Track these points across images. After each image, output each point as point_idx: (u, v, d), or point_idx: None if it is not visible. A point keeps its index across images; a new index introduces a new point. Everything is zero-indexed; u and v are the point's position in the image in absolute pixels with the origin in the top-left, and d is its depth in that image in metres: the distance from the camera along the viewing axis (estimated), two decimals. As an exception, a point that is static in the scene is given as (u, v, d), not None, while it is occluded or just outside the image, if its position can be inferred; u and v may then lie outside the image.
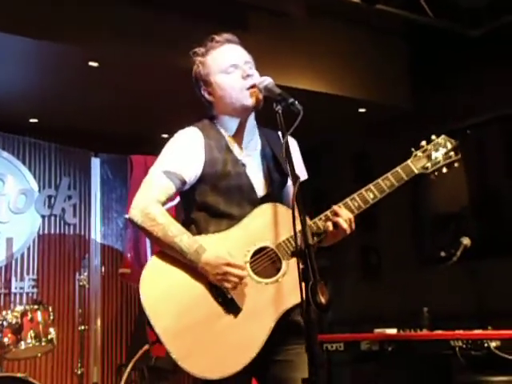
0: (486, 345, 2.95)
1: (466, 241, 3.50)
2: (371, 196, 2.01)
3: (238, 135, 2.10)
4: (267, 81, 2.02)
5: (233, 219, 1.98)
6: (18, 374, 3.67)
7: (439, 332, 3.25)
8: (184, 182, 2.00)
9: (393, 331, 3.36)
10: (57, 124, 5.17)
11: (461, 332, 3.10)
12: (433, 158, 2.10)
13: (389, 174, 2.04)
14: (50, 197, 5.34)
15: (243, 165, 2.05)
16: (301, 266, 1.60)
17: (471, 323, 3.34)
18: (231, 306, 1.89)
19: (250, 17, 4.35)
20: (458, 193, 5.07)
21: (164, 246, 1.93)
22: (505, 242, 4.88)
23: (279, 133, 2.13)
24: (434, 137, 2.13)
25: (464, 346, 3.02)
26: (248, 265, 1.92)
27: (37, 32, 3.87)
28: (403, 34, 5.26)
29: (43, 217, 5.29)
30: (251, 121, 2.12)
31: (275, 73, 2.16)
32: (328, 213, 1.99)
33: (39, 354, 3.98)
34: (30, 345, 3.71)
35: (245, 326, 1.88)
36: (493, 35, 4.68)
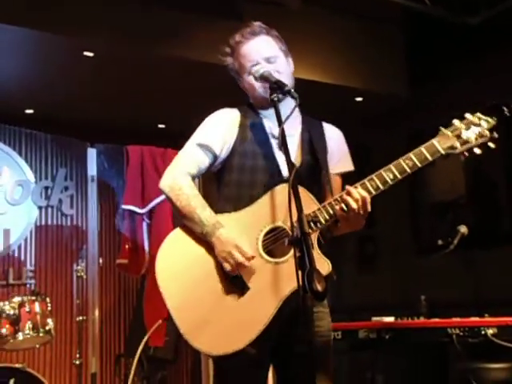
0: (483, 332, 2.95)
1: (463, 229, 3.49)
2: (391, 176, 1.91)
3: (276, 119, 2.08)
4: (263, 69, 2.04)
5: (255, 199, 2.00)
6: (17, 365, 3.67)
7: (436, 320, 3.26)
8: (216, 157, 2.06)
9: (390, 319, 3.37)
10: (53, 114, 5.16)
11: (458, 319, 3.11)
12: (463, 136, 1.93)
13: (411, 154, 1.92)
14: (46, 188, 5.33)
15: (276, 144, 2.07)
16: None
17: (468, 311, 3.34)
18: (240, 284, 1.91)
19: (245, 7, 4.34)
20: (456, 181, 5.07)
21: (185, 216, 1.98)
22: (501, 230, 4.89)
23: (323, 123, 2.22)
24: (467, 114, 1.95)
25: (461, 333, 3.02)
26: (260, 244, 1.94)
27: (32, 22, 3.86)
28: (400, 22, 5.24)
29: (40, 208, 5.28)
30: (290, 107, 2.00)
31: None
32: (341, 194, 1.93)
33: (37, 345, 3.98)
34: (28, 336, 3.71)
35: (252, 304, 1.89)
36: (490, 23, 4.66)
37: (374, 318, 3.43)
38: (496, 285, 4.30)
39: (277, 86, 1.95)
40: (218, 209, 2.04)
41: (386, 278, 5.48)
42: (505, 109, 2.04)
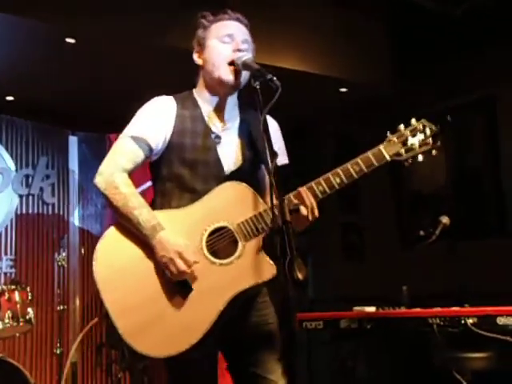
0: (462, 322, 2.97)
1: (444, 220, 3.51)
2: (338, 181, 1.92)
3: (217, 109, 2.08)
4: (245, 56, 2.01)
5: (196, 194, 1.95)
6: (-4, 354, 3.64)
7: (417, 309, 3.27)
8: (151, 149, 1.98)
9: (372, 309, 3.38)
10: (34, 102, 5.08)
11: (438, 309, 3.12)
12: (408, 144, 1.96)
13: (358, 159, 1.94)
14: (27, 176, 5.26)
15: (217, 137, 2.03)
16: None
17: (450, 302, 3.37)
18: (183, 285, 1.87)
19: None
20: (438, 172, 5.09)
21: (122, 216, 1.90)
22: (484, 221, 4.93)
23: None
24: (413, 121, 1.99)
25: (441, 323, 3.04)
26: (204, 244, 1.89)
27: (13, 8, 3.79)
28: (384, 11, 5.22)
29: (21, 196, 5.21)
30: (232, 99, 2.10)
31: (255, 52, 2.11)
32: (291, 195, 1.92)
33: (17, 334, 3.96)
34: (8, 325, 3.68)
35: (194, 307, 1.85)
36: (474, 13, 4.66)
37: (356, 308, 3.43)
38: (476, 276, 4.34)
39: (259, 74, 1.92)
40: (156, 205, 1.98)
41: (369, 268, 5.51)
42: (448, 117, 2.06)
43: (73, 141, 4.89)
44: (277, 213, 1.69)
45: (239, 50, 2.00)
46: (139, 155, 1.96)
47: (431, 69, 5.06)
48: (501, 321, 2.89)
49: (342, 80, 5.08)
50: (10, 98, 5.11)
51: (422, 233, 3.59)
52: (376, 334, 3.42)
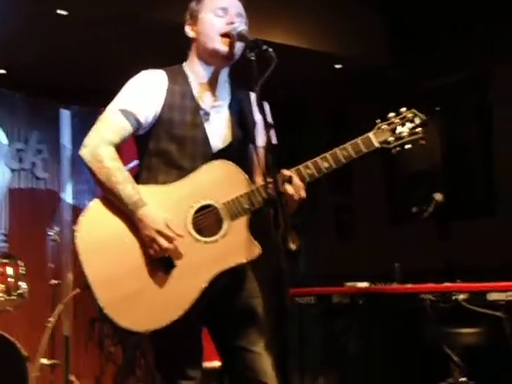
0: (454, 297, 3.00)
1: (437, 196, 3.52)
2: (326, 165, 1.92)
3: (208, 84, 2.05)
4: (241, 27, 1.98)
5: (183, 171, 1.93)
6: (-12, 328, 3.64)
7: (409, 285, 3.30)
8: (140, 123, 1.95)
9: (364, 285, 3.40)
10: (25, 75, 5.03)
11: (430, 285, 3.15)
12: (397, 132, 1.98)
13: (347, 145, 1.95)
14: (19, 150, 5.22)
15: (206, 114, 2.01)
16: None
17: (442, 279, 3.39)
18: (166, 261, 1.85)
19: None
20: (431, 150, 5.09)
21: (106, 190, 1.88)
22: (476, 200, 4.95)
23: (251, 93, 2.10)
24: (403, 109, 2.01)
25: (433, 298, 3.07)
26: (190, 221, 1.88)
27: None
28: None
29: (13, 171, 5.18)
30: (224, 74, 2.08)
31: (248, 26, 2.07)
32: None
33: (10, 308, 3.95)
34: (1, 298, 3.69)
35: (176, 283, 1.84)
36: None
37: (348, 284, 3.45)
38: (468, 253, 4.36)
39: (254, 45, 1.89)
40: (142, 180, 1.96)
41: (361, 245, 5.53)
42: (437, 109, 2.09)
43: (65, 115, 4.83)
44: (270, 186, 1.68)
45: (232, 23, 1.98)
46: (126, 129, 1.93)
47: (425, 45, 5.02)
48: (491, 296, 2.92)
49: (336, 56, 5.04)
50: (1, 71, 5.05)
51: (414, 209, 3.61)
52: (368, 310, 3.44)
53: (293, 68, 4.39)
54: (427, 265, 4.34)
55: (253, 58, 1.86)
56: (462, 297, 2.99)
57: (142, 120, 1.95)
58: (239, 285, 2.01)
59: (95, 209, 1.91)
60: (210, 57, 2.03)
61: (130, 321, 1.81)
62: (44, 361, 3.86)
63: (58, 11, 4.06)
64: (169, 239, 1.83)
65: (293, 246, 1.46)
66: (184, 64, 2.09)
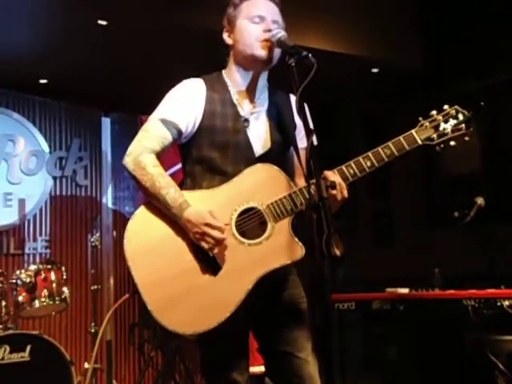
0: (498, 304, 2.95)
1: (479, 201, 3.46)
2: (368, 164, 1.93)
3: (247, 91, 2.08)
4: (280, 33, 1.99)
5: (227, 176, 1.96)
6: (33, 332, 3.72)
7: (452, 291, 3.25)
8: (180, 132, 1.99)
9: (405, 290, 3.36)
10: (67, 84, 5.12)
11: (473, 291, 3.10)
12: (440, 129, 1.99)
13: (390, 143, 1.96)
14: (60, 158, 5.34)
15: (246, 121, 2.03)
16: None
17: (484, 285, 3.33)
18: (211, 264, 1.88)
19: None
20: (471, 154, 5.01)
21: (151, 196, 1.93)
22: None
23: (291, 95, 2.11)
24: (446, 106, 2.01)
25: (476, 305, 3.02)
26: (233, 224, 1.91)
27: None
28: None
29: (55, 178, 5.29)
30: (262, 79, 2.10)
31: (285, 31, 2.09)
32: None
33: (53, 313, 4.03)
34: (44, 303, 3.76)
35: (222, 286, 1.87)
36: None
37: (388, 289, 3.42)
38: (510, 258, 4.27)
39: (294, 51, 1.89)
40: (186, 187, 2.00)
41: (400, 251, 5.46)
42: (482, 104, 2.08)
43: (105, 122, 4.91)
44: (312, 191, 1.68)
45: (270, 31, 1.99)
46: (168, 138, 1.98)
47: (464, 48, 4.95)
48: (537, 303, 2.86)
49: (373, 60, 5.01)
50: (43, 81, 5.17)
51: (456, 214, 3.55)
52: (409, 316, 3.39)
53: (330, 73, 4.38)
54: (469, 270, 4.26)
55: (293, 64, 1.87)
56: (506, 303, 2.93)
57: (183, 129, 1.99)
58: (286, 289, 2.01)
59: (141, 215, 1.95)
60: (248, 63, 2.05)
61: (178, 323, 1.84)
62: (88, 365, 3.91)
63: (99, 21, 4.14)
64: (219, 229, 1.85)
65: (337, 252, 1.45)
66: (223, 71, 2.11)
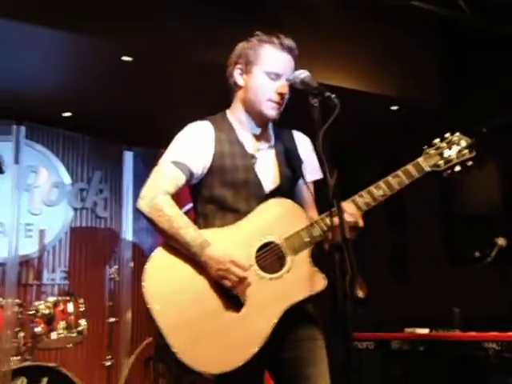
0: (520, 347, 2.90)
1: (501, 241, 3.44)
2: (380, 193, 1.98)
3: (251, 129, 2.12)
4: (304, 74, 2.03)
5: (239, 214, 1.98)
6: (50, 364, 3.71)
7: (472, 333, 3.20)
8: (192, 174, 2.02)
9: (424, 331, 3.32)
10: (90, 117, 5.21)
11: (495, 333, 3.05)
12: (445, 155, 2.06)
13: (399, 171, 2.01)
14: (82, 190, 5.40)
15: (253, 158, 2.06)
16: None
17: (504, 326, 3.27)
18: (234, 301, 1.89)
19: (280, 13, 4.33)
20: (491, 192, 4.99)
21: (169, 237, 1.93)
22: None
23: (293, 131, 2.19)
24: (447, 134, 2.09)
25: (498, 347, 2.97)
26: (254, 259, 1.92)
27: (70, 25, 3.88)
28: (437, 30, 5.17)
29: (75, 210, 5.34)
30: (268, 124, 2.15)
31: (303, 69, 2.10)
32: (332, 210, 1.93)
33: (70, 345, 4.03)
34: (62, 335, 3.78)
35: (247, 322, 1.86)
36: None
37: (407, 330, 3.38)
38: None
39: (318, 92, 1.93)
40: (199, 226, 2.00)
41: (418, 289, 5.40)
42: (484, 130, 2.16)
43: (128, 156, 4.97)
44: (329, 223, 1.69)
45: (282, 95, 2.05)
46: (181, 178, 2.00)
47: (485, 88, 4.97)
48: (561, 347, 2.80)
49: (392, 98, 5.04)
50: (67, 114, 5.26)
51: (477, 254, 3.52)
52: (428, 357, 3.34)
53: (349, 110, 4.40)
54: (489, 311, 4.20)
55: (316, 105, 1.89)
56: (529, 346, 2.87)
57: (194, 170, 2.02)
58: (302, 325, 2.00)
59: (159, 257, 1.95)
60: (256, 114, 2.09)
61: (205, 364, 1.83)
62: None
63: (123, 58, 4.22)
64: (243, 268, 1.87)
65: (361, 293, 1.45)
66: (227, 112, 2.15)
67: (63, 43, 4.11)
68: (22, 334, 3.73)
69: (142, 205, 1.96)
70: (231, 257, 1.87)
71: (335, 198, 1.71)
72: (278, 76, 2.05)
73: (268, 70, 2.05)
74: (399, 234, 5.79)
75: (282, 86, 2.05)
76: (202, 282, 1.90)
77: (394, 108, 5.25)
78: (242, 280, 1.87)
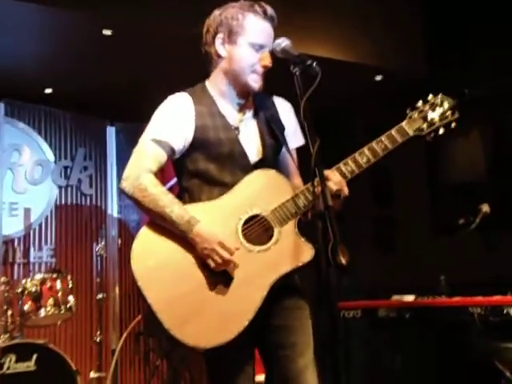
0: (505, 311, 2.93)
1: (485, 208, 3.45)
2: (364, 160, 1.97)
3: (233, 100, 2.08)
4: (284, 42, 1.99)
5: (225, 187, 1.97)
6: (39, 341, 3.72)
7: (458, 298, 3.24)
8: (174, 150, 1.99)
9: (411, 298, 3.36)
10: (72, 93, 5.15)
11: (480, 298, 3.09)
12: (428, 118, 2.03)
13: (383, 137, 1.99)
14: (66, 167, 5.35)
15: (236, 130, 2.04)
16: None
17: (490, 292, 3.31)
18: (222, 275, 1.88)
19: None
20: (475, 161, 5.00)
21: (155, 216, 1.92)
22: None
23: (274, 97, 2.14)
24: (430, 96, 2.06)
25: (483, 312, 3.00)
26: (240, 232, 1.91)
27: (51, 0, 3.83)
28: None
29: (60, 187, 5.31)
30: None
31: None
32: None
33: (59, 322, 4.04)
34: (50, 312, 3.77)
35: (236, 295, 1.87)
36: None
37: (395, 297, 3.41)
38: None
39: (299, 60, 1.90)
40: (184, 201, 1.98)
41: (404, 258, 5.45)
42: (466, 91, 2.13)
43: (110, 131, 4.92)
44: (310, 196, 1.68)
45: (266, 67, 2.02)
46: (162, 156, 1.97)
47: (467, 56, 4.96)
48: (544, 310, 2.85)
49: (377, 68, 5.02)
50: (48, 91, 5.19)
51: (461, 221, 3.54)
52: (415, 323, 3.38)
53: (332, 80, 4.38)
54: (475, 277, 4.25)
55: (297, 73, 1.88)
56: (513, 310, 2.91)
57: (175, 146, 1.99)
58: (287, 294, 2.01)
59: (146, 234, 1.94)
60: (238, 85, 2.05)
61: (198, 339, 1.83)
62: (93, 374, 3.91)
63: (104, 31, 4.16)
64: (229, 250, 1.86)
65: (343, 260, 1.45)
66: (207, 83, 2.11)
67: (42, 17, 4.04)
68: (10, 312, 3.72)
69: (126, 185, 1.94)
70: (219, 238, 1.86)
71: (317, 166, 1.69)
72: (261, 47, 2.02)
73: (252, 41, 2.02)
74: (385, 204, 5.82)
75: (266, 57, 2.02)
76: (190, 258, 1.90)
77: (378, 78, 5.22)
78: (226, 263, 1.86)
